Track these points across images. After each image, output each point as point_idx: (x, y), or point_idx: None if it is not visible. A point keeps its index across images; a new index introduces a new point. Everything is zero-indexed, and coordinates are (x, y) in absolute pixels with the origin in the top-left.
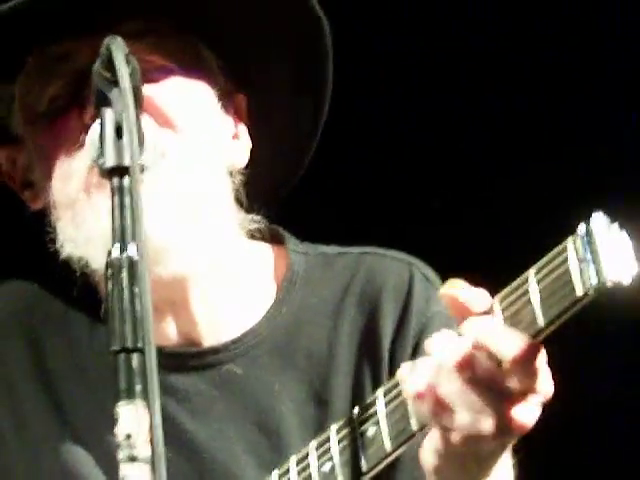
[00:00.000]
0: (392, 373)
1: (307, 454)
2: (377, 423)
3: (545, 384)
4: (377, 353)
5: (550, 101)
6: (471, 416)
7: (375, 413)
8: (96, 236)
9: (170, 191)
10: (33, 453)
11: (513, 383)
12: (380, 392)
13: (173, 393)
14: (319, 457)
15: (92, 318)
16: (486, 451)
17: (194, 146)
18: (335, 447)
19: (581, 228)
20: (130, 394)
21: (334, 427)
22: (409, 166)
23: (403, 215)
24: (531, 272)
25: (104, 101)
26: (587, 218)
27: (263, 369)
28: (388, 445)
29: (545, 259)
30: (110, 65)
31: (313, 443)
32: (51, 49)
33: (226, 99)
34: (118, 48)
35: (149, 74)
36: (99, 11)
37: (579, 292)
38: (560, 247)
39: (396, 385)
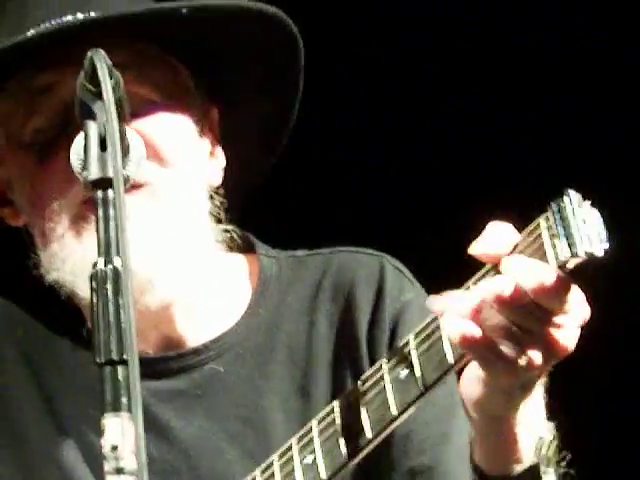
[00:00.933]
0: (371, 361)
1: (310, 429)
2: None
3: (582, 308)
4: (355, 343)
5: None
6: (516, 347)
7: (382, 378)
8: (83, 269)
9: (155, 223)
10: (29, 466)
11: (552, 309)
12: (384, 360)
13: (157, 395)
14: (321, 431)
15: (74, 335)
16: (529, 377)
17: (178, 177)
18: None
19: (553, 204)
20: (116, 406)
21: (335, 402)
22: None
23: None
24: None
25: (88, 114)
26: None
27: (244, 366)
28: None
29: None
30: (93, 78)
31: (314, 421)
32: (34, 79)
33: (203, 120)
34: (101, 61)
35: (134, 107)
36: (82, 43)
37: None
38: (533, 224)
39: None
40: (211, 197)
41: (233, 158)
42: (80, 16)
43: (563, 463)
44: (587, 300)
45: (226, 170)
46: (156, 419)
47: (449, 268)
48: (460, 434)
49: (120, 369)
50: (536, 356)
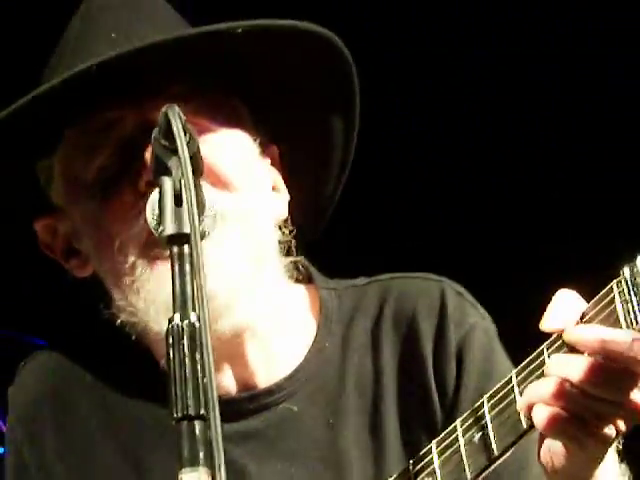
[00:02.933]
0: (439, 390)
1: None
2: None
3: None
4: (421, 372)
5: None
6: (602, 420)
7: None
8: (159, 301)
9: (231, 249)
10: None
11: (633, 375)
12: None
13: (233, 438)
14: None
15: (147, 378)
16: (610, 443)
17: (248, 204)
18: (436, 460)
19: (626, 269)
20: (193, 461)
21: (434, 442)
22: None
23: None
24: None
25: (163, 169)
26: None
27: (317, 404)
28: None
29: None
30: (168, 133)
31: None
32: (94, 119)
33: (265, 153)
34: (176, 117)
35: (200, 137)
36: (140, 79)
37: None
38: (605, 290)
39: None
40: (280, 228)
41: (297, 194)
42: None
43: None
44: None
45: (291, 206)
46: (233, 463)
47: (511, 291)
48: (538, 465)
49: (197, 424)
50: (621, 423)
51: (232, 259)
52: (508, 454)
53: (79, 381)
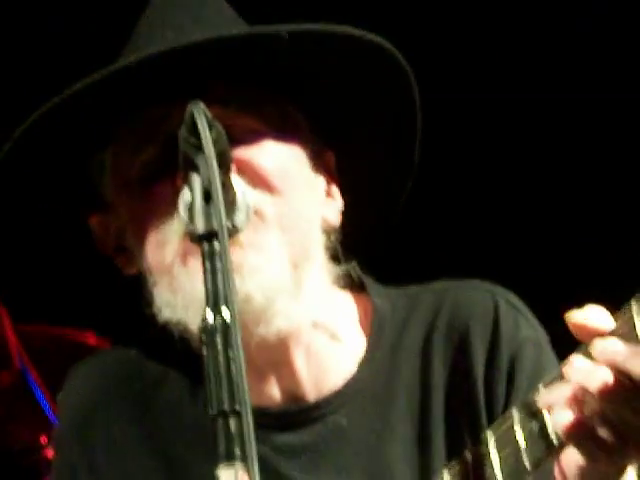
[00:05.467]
0: (488, 405)
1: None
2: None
3: None
4: (471, 385)
5: None
6: (616, 436)
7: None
8: (194, 300)
9: (269, 253)
10: None
11: None
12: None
13: (282, 451)
14: None
15: (192, 378)
16: (626, 462)
17: (291, 207)
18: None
19: None
20: (230, 457)
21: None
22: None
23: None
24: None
25: (191, 166)
26: None
27: (366, 416)
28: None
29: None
30: (195, 131)
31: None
32: (141, 115)
33: (317, 158)
34: (201, 114)
35: (242, 137)
36: (189, 77)
37: None
38: (625, 307)
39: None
40: (327, 235)
41: (354, 204)
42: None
43: None
44: None
45: (348, 215)
46: (282, 476)
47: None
48: None
49: (232, 420)
50: (636, 444)
51: (269, 263)
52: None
53: (126, 385)
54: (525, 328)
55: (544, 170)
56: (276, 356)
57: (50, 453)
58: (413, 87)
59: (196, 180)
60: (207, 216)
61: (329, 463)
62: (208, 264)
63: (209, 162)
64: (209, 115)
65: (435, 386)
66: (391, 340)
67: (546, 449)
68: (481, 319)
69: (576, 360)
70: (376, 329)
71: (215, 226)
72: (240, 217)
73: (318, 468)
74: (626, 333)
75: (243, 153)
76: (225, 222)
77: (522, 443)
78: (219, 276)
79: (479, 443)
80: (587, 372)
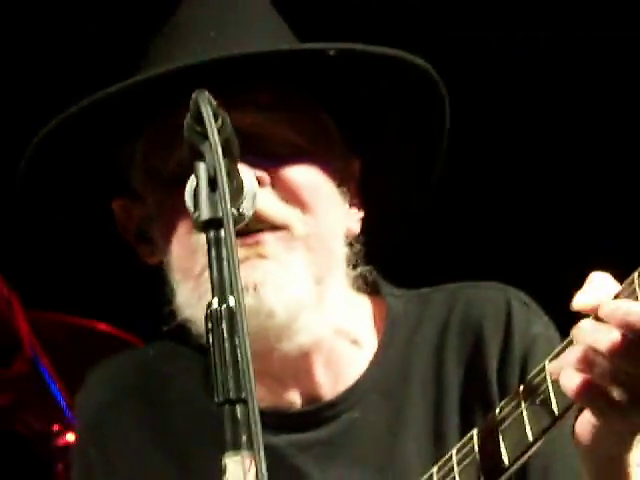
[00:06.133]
0: (502, 399)
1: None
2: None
3: None
4: (484, 380)
5: None
6: (626, 393)
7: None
8: None
9: (295, 272)
10: None
11: None
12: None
13: (296, 445)
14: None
15: (206, 374)
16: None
17: (320, 225)
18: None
19: None
20: (236, 445)
21: (474, 431)
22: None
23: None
24: None
25: (197, 154)
26: None
27: (380, 412)
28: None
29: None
30: (199, 119)
31: (453, 450)
32: (180, 115)
33: (345, 170)
34: (205, 102)
35: (279, 150)
36: (231, 81)
37: None
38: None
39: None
40: (350, 245)
41: (374, 211)
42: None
43: None
44: None
45: (367, 221)
46: (296, 469)
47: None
48: None
49: (239, 408)
50: None
51: (294, 280)
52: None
53: (141, 386)
54: (537, 324)
55: (556, 178)
56: (298, 367)
57: (62, 441)
58: (446, 108)
59: (201, 168)
60: (212, 204)
61: (343, 456)
62: (213, 251)
63: (214, 151)
64: (214, 103)
65: (449, 382)
66: (404, 338)
67: (550, 420)
68: (494, 316)
69: (585, 323)
70: (389, 327)
71: (220, 214)
72: (246, 204)
73: (332, 462)
74: (630, 295)
75: (279, 168)
76: (230, 209)
77: (526, 417)
78: (224, 263)
79: (489, 420)
80: (597, 333)
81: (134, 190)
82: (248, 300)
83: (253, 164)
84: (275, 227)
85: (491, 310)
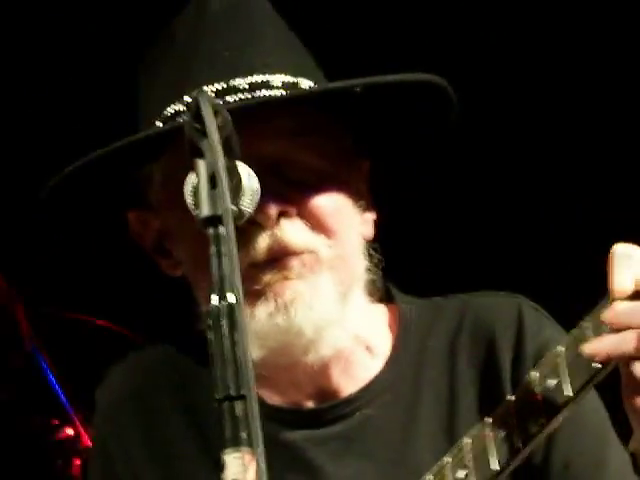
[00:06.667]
0: None
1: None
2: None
3: None
4: (498, 382)
5: None
6: None
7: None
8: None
9: (323, 293)
10: None
11: None
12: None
13: (311, 440)
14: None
15: None
16: None
17: (344, 248)
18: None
19: None
20: (236, 442)
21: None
22: None
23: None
24: None
25: (197, 152)
26: None
27: (393, 411)
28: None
29: None
30: (199, 117)
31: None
32: None
33: (359, 176)
34: (205, 101)
35: (303, 177)
36: (252, 112)
37: None
38: None
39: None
40: (370, 257)
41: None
42: (245, 84)
43: None
44: None
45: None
46: (310, 463)
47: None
48: (616, 460)
49: (238, 404)
50: None
51: (321, 300)
52: (582, 397)
53: (166, 382)
54: (549, 328)
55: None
56: (316, 375)
57: (61, 435)
58: (454, 119)
59: (201, 165)
60: (212, 200)
61: (357, 451)
62: (214, 248)
63: (214, 149)
64: (214, 102)
65: (462, 385)
66: (417, 342)
67: (563, 401)
68: (506, 321)
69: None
70: (403, 333)
71: (220, 211)
72: (246, 200)
73: (346, 457)
74: None
75: (304, 196)
76: (230, 206)
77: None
78: (225, 260)
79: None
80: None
81: (150, 204)
82: (278, 320)
83: (278, 193)
84: (302, 252)
85: (503, 315)
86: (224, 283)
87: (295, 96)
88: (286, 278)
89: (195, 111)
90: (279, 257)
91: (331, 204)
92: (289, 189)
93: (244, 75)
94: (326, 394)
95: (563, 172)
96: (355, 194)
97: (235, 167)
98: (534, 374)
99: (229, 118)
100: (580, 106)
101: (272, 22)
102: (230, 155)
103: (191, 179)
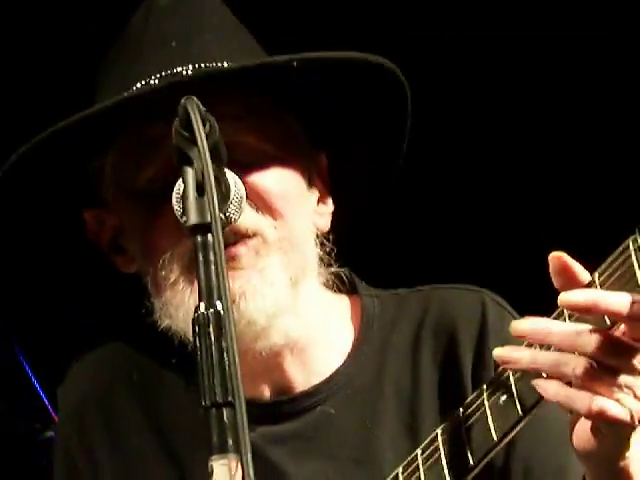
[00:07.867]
0: None
1: (415, 458)
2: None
3: None
4: (459, 380)
5: None
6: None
7: (482, 404)
8: None
9: (272, 278)
10: None
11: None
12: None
13: (271, 439)
14: (426, 459)
15: (190, 369)
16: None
17: (292, 229)
18: (441, 447)
19: None
20: (223, 448)
21: (438, 430)
22: None
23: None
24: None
25: (185, 159)
26: None
27: (354, 407)
28: (494, 436)
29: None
30: (188, 124)
31: (418, 450)
32: (144, 131)
33: (313, 166)
34: (194, 108)
35: (247, 159)
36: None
37: None
38: (622, 246)
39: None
40: (322, 244)
41: (342, 203)
42: (189, 71)
43: None
44: None
45: (335, 214)
46: (271, 463)
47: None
48: (576, 468)
49: (226, 411)
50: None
51: (271, 286)
52: (532, 414)
53: (126, 381)
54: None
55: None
56: (269, 363)
57: (45, 438)
58: (408, 100)
59: (189, 173)
60: (200, 208)
61: (317, 450)
62: (201, 256)
63: (203, 156)
64: (203, 109)
65: (424, 381)
66: (380, 336)
67: (514, 419)
68: (468, 316)
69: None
70: (364, 326)
71: (208, 218)
72: (233, 208)
73: (306, 456)
74: (621, 274)
75: (248, 177)
76: (218, 214)
77: (490, 416)
78: (212, 267)
79: (453, 419)
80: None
81: (105, 201)
82: None
83: None
84: (247, 236)
85: (465, 311)
86: (212, 291)
87: (215, 72)
88: (234, 269)
89: (183, 118)
90: (226, 244)
91: (276, 186)
92: (235, 171)
93: (188, 63)
94: (283, 388)
95: (518, 161)
96: (307, 182)
97: (223, 174)
98: (484, 389)
99: (216, 125)
100: (548, 103)
101: (218, 11)
102: (217, 162)
103: (179, 186)
